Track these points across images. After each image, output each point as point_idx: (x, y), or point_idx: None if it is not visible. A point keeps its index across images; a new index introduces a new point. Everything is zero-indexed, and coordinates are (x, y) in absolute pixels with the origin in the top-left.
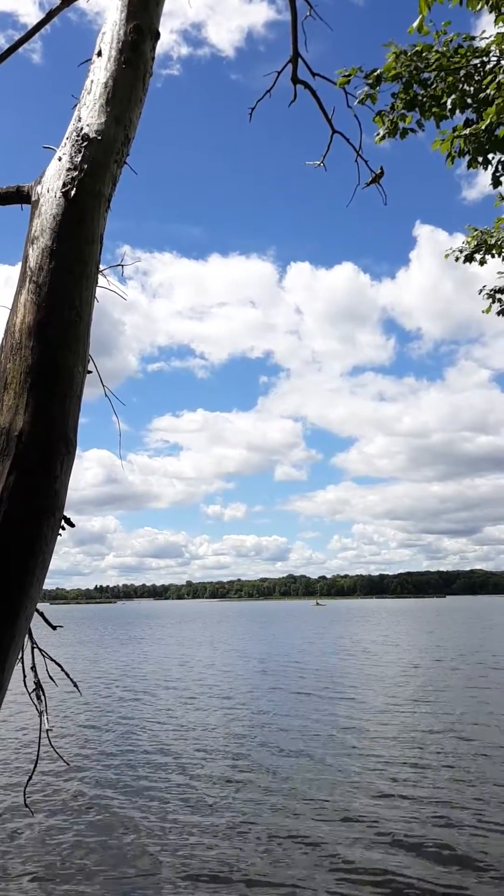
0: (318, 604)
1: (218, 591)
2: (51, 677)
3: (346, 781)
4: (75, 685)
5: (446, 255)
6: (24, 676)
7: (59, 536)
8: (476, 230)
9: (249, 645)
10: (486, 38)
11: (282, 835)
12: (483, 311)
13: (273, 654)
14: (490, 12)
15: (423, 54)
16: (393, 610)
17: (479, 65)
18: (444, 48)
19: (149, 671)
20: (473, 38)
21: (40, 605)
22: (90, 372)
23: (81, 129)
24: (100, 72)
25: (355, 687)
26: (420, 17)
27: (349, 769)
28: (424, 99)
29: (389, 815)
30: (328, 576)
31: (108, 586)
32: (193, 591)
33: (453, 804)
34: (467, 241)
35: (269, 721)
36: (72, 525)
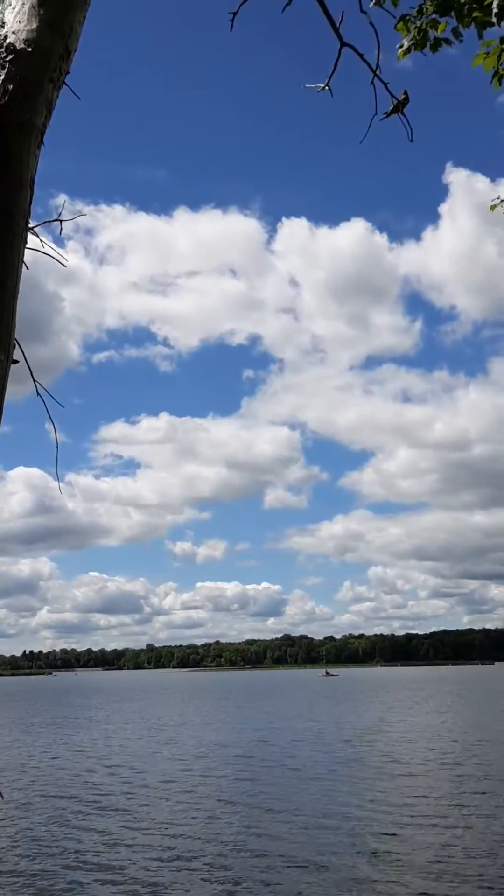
0: (327, 673)
1: (190, 657)
2: None
3: None
4: None
5: (492, 207)
6: None
7: None
8: None
9: (229, 735)
10: None
11: None
12: None
13: (265, 757)
14: None
15: None
16: (425, 682)
17: None
18: None
19: (71, 772)
20: None
21: None
22: (16, 362)
23: (5, 37)
24: None
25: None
26: None
27: None
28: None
29: None
30: (337, 636)
31: (40, 652)
32: (156, 657)
33: None
34: None
35: None
36: None
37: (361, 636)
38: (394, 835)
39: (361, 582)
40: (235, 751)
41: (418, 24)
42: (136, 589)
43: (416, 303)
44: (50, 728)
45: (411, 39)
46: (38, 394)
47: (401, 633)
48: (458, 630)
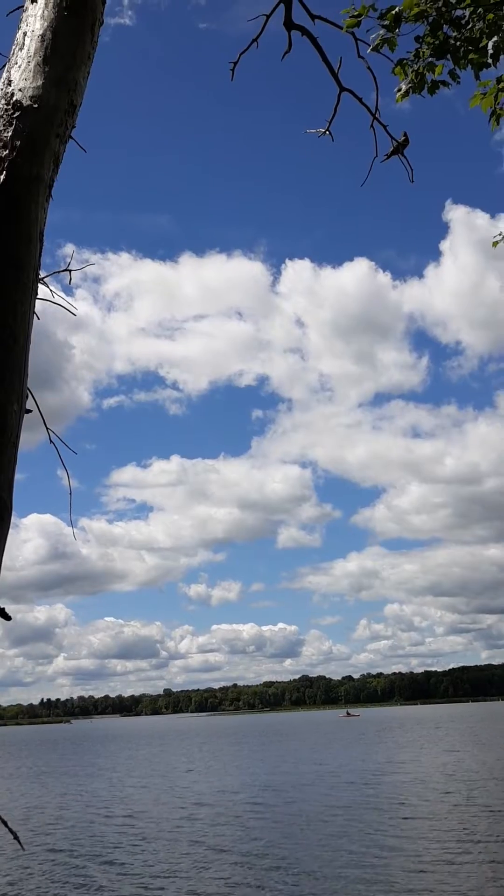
0: (348, 714)
1: (207, 701)
2: None
3: None
4: (16, 837)
5: (494, 243)
6: None
7: None
8: None
9: (239, 780)
10: None
11: None
12: None
13: (272, 803)
14: None
15: None
16: (443, 720)
17: None
18: None
19: (81, 822)
20: None
21: None
22: (29, 411)
23: (12, 94)
24: (35, 21)
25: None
26: None
27: None
28: (458, 43)
29: None
30: (356, 675)
31: (58, 700)
32: (174, 702)
33: None
34: None
35: None
36: (7, 618)
37: (380, 675)
38: (395, 884)
39: (378, 620)
40: (243, 796)
41: (415, 67)
42: (151, 633)
43: (421, 339)
44: (63, 777)
45: (409, 83)
46: (50, 441)
47: (419, 670)
48: (476, 666)
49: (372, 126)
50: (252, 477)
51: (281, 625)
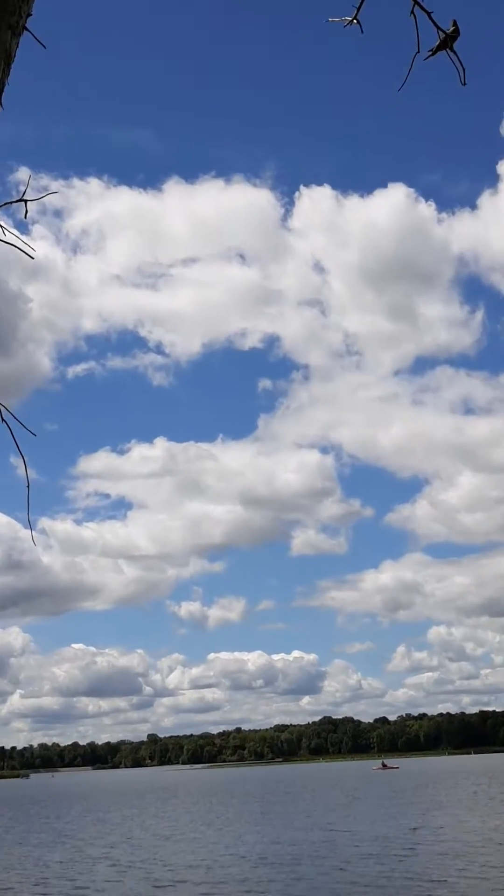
0: (384, 766)
1: (204, 750)
2: None
3: None
4: None
5: None
6: None
7: None
8: None
9: (246, 846)
10: None
11: None
12: None
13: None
14: None
15: None
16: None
17: None
18: None
19: None
20: None
21: None
22: None
23: None
24: None
25: None
26: None
27: None
28: None
29: None
30: (392, 717)
31: (13, 749)
32: (161, 751)
33: None
34: None
35: None
36: None
37: (423, 717)
38: None
39: (420, 646)
40: (234, 872)
41: None
42: (132, 664)
43: (475, 288)
44: (12, 847)
45: None
46: (2, 419)
47: (473, 710)
48: None
49: (412, 13)
50: (259, 465)
51: (297, 653)
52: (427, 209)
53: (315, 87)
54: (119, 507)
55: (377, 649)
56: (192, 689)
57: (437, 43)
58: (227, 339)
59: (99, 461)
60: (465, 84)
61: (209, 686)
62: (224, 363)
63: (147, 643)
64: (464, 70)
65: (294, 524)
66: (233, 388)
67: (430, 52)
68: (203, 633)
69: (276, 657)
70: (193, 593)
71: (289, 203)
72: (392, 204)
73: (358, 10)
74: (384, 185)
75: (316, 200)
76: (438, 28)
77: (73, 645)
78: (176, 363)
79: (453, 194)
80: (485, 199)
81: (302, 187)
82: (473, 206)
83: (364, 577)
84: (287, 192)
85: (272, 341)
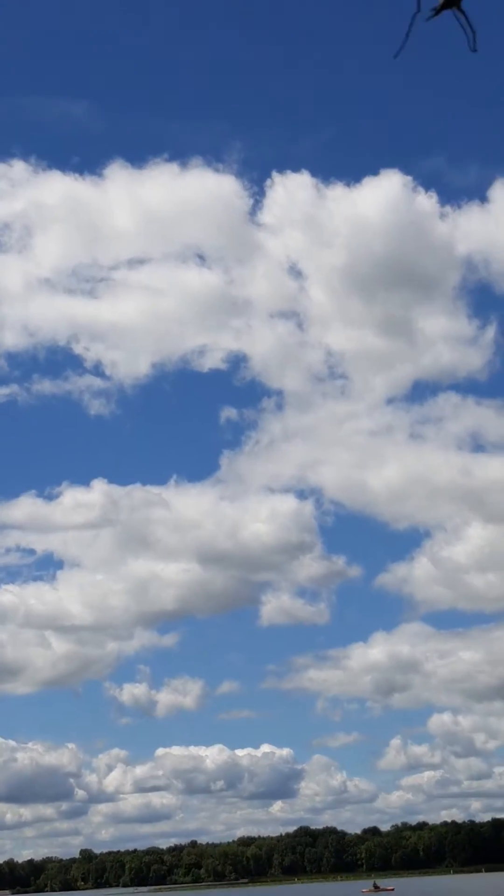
0: (376, 887)
1: (150, 868)
2: None
3: None
4: None
5: None
6: None
7: None
8: None
9: None
10: None
11: None
12: None
13: None
14: None
15: None
16: None
17: None
18: None
19: None
20: None
21: None
22: None
23: None
24: None
25: None
26: None
27: None
28: None
29: None
30: (384, 827)
31: None
32: (97, 871)
33: None
34: None
35: None
36: None
37: (422, 826)
38: None
39: (419, 739)
40: None
41: None
42: (61, 762)
43: (484, 298)
44: None
45: None
46: None
47: (484, 818)
48: None
49: None
50: (221, 513)
51: (266, 747)
52: (427, 201)
53: (293, 54)
54: (46, 566)
55: (366, 742)
56: (137, 792)
57: (439, 4)
58: (182, 357)
59: (21, 509)
60: (475, 51)
61: (157, 789)
62: (178, 388)
63: (80, 736)
64: (474, 34)
65: (264, 587)
66: (189, 418)
67: (434, 12)
68: (150, 723)
69: (240, 752)
70: (139, 673)
71: (258, 193)
72: (385, 195)
73: None
74: (375, 173)
75: (291, 190)
76: None
77: None
78: (119, 387)
79: (459, 183)
80: (497, 191)
81: (275, 174)
82: (483, 199)
83: (350, 653)
84: (256, 179)
85: (238, 361)
